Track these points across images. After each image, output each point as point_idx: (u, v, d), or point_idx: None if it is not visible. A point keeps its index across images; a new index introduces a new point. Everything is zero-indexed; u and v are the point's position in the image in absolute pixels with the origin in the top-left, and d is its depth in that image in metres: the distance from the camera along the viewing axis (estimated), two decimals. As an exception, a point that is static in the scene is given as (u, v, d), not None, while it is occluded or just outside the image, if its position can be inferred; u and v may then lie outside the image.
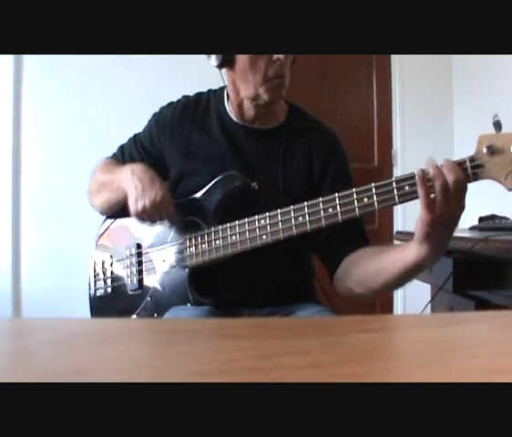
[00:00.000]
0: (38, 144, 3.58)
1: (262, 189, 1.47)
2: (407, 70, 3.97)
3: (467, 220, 2.74)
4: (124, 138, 1.69)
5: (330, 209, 1.30)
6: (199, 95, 1.65)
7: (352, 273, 1.44)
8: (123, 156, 1.66)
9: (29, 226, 3.57)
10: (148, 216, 1.44)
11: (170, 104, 1.64)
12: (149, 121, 1.65)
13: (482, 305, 2.05)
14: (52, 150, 3.57)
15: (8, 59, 3.50)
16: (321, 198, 1.31)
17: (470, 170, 1.18)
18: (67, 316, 0.85)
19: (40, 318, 1.49)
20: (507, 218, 2.35)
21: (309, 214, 1.32)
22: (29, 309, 3.47)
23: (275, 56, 1.40)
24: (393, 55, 3.97)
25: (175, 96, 1.66)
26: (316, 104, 1.65)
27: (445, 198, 1.15)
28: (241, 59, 1.44)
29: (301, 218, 1.33)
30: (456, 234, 2.39)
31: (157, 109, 1.66)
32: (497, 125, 1.18)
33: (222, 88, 1.61)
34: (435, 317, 1.19)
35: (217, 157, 1.51)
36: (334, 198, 1.29)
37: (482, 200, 3.42)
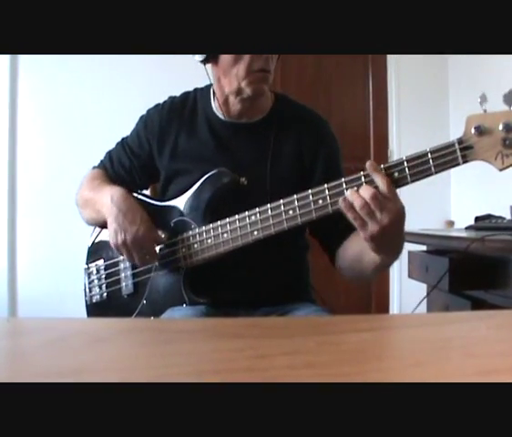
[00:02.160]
0: (34, 145, 3.58)
1: (252, 184, 1.46)
2: (403, 69, 3.97)
3: (464, 220, 2.76)
4: (119, 137, 1.68)
5: (320, 201, 1.29)
6: (186, 94, 1.63)
7: (343, 266, 1.48)
8: (111, 162, 1.64)
9: (25, 227, 3.57)
10: (127, 252, 1.42)
11: (157, 105, 1.62)
12: (137, 124, 1.64)
13: (478, 305, 2.05)
14: (48, 152, 3.57)
15: (4, 59, 3.50)
16: (310, 191, 1.30)
17: (459, 152, 1.16)
18: (64, 316, 0.85)
19: (37, 317, 1.49)
20: (503, 218, 2.35)
21: (299, 207, 1.31)
22: (25, 311, 3.46)
23: None
24: (389, 55, 3.97)
25: (170, 94, 1.65)
26: (311, 103, 1.63)
27: (372, 217, 1.15)
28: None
29: (291, 212, 1.32)
30: (453, 234, 2.40)
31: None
32: (484, 100, 1.17)
33: (209, 86, 1.60)
34: (431, 316, 1.19)
35: (205, 157, 1.50)
36: (324, 190, 1.29)
37: (478, 200, 3.43)
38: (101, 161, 1.68)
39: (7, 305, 3.51)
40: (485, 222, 2.36)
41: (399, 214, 1.17)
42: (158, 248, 1.48)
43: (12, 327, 0.87)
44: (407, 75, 3.98)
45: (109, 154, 1.66)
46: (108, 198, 1.46)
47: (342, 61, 3.88)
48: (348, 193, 1.18)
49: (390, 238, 1.20)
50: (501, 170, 1.16)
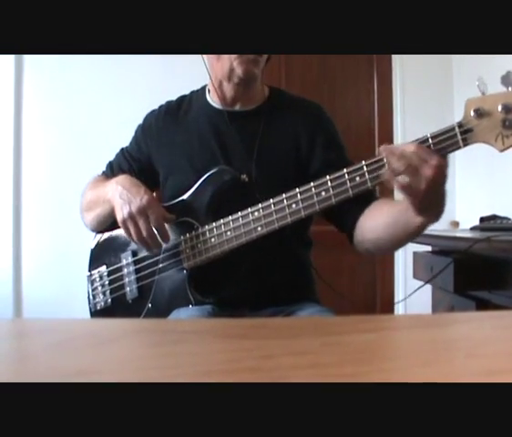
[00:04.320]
0: (40, 146, 3.59)
1: (250, 176, 1.47)
2: (408, 69, 3.96)
3: (469, 220, 2.75)
4: (124, 139, 1.69)
5: (323, 193, 1.29)
6: (182, 97, 1.67)
7: (367, 236, 1.43)
8: (112, 170, 1.66)
9: (30, 229, 3.57)
10: (133, 223, 1.40)
11: (153, 111, 1.67)
12: (135, 131, 1.67)
13: (483, 305, 2.05)
14: (53, 153, 3.57)
15: (9, 59, 3.51)
16: (312, 183, 1.31)
17: (460, 136, 1.17)
18: (69, 318, 0.85)
19: (42, 319, 1.49)
20: (508, 219, 2.35)
21: (302, 200, 1.31)
22: (30, 312, 3.47)
23: None
24: (393, 55, 3.97)
25: (174, 96, 1.67)
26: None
27: (415, 173, 1.13)
28: None
29: (294, 206, 1.33)
30: (457, 234, 2.40)
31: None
32: (483, 87, 1.18)
33: (204, 86, 1.64)
34: (436, 317, 1.19)
35: (202, 152, 1.52)
36: (326, 182, 1.29)
37: (483, 201, 3.43)
38: (103, 171, 1.70)
39: (12, 306, 3.52)
40: (490, 223, 2.36)
41: (441, 166, 1.14)
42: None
43: (17, 328, 0.87)
44: (412, 75, 3.97)
45: (110, 164, 1.69)
46: (113, 184, 1.47)
47: (346, 61, 3.88)
48: (390, 157, 1.16)
49: (435, 195, 1.18)
50: (501, 151, 1.17)
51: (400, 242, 1.37)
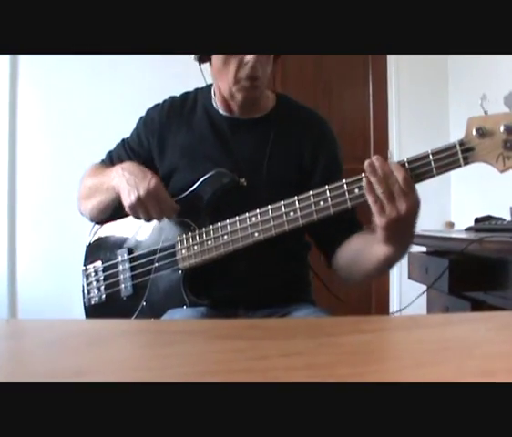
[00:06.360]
0: (35, 145, 3.58)
1: (250, 182, 1.46)
2: (403, 70, 3.97)
3: (464, 221, 2.76)
4: (120, 138, 1.68)
5: (321, 203, 1.29)
6: (186, 94, 1.64)
7: (339, 264, 1.48)
8: (111, 160, 1.63)
9: (25, 228, 3.57)
10: (143, 207, 1.38)
11: (157, 105, 1.63)
12: (137, 124, 1.64)
13: (478, 306, 2.05)
14: (48, 152, 3.57)
15: (4, 59, 3.50)
16: (311, 192, 1.30)
17: (460, 154, 1.17)
18: (64, 317, 0.85)
19: (37, 319, 1.49)
20: (503, 219, 2.35)
21: (300, 208, 1.31)
22: (25, 312, 3.46)
23: (246, 58, 1.38)
24: (389, 55, 3.97)
25: (170, 94, 1.66)
26: (311, 103, 1.63)
27: (391, 201, 1.15)
28: (215, 58, 1.44)
29: (292, 213, 1.32)
30: (452, 235, 2.40)
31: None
32: (485, 100, 1.18)
33: (210, 85, 1.61)
34: (431, 318, 1.19)
35: (205, 154, 1.50)
36: (325, 191, 1.29)
37: (478, 201, 3.43)
38: (102, 160, 1.67)
39: (7, 306, 3.51)
40: (484, 223, 2.36)
41: (416, 205, 1.17)
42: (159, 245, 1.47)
43: (12, 328, 0.87)
44: (407, 75, 3.98)
45: (110, 153, 1.66)
46: (119, 170, 1.44)
47: (342, 61, 3.88)
48: (371, 177, 1.17)
49: (404, 229, 1.21)
50: (502, 172, 1.17)
51: (366, 273, 1.40)
